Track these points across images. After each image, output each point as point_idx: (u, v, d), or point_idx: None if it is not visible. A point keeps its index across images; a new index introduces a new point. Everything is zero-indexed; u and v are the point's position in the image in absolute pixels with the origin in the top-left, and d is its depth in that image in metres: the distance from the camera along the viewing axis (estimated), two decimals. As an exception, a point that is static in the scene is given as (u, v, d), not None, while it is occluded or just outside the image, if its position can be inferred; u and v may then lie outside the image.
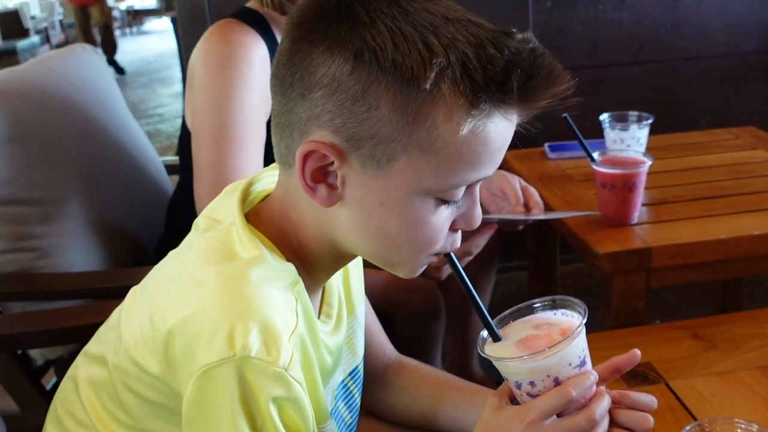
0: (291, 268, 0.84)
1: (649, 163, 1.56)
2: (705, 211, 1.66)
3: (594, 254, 1.50)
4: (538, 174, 1.93)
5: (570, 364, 0.85)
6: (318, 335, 0.89)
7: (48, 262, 1.60)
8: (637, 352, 0.95)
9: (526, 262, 2.26)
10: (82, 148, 1.74)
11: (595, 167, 1.57)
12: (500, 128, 0.78)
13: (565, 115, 1.62)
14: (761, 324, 1.38)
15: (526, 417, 0.84)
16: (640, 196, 1.58)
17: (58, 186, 1.66)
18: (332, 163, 0.79)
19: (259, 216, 0.89)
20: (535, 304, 0.93)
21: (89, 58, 2.01)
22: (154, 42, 14.78)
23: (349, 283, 1.07)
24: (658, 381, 1.21)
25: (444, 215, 0.82)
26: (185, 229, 1.42)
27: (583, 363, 0.86)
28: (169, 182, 2.05)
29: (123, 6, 17.35)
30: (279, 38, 1.64)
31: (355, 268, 1.11)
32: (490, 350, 0.88)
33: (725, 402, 1.15)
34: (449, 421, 1.15)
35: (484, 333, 0.91)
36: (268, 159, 1.61)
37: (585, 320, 0.86)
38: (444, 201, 0.81)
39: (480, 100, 0.74)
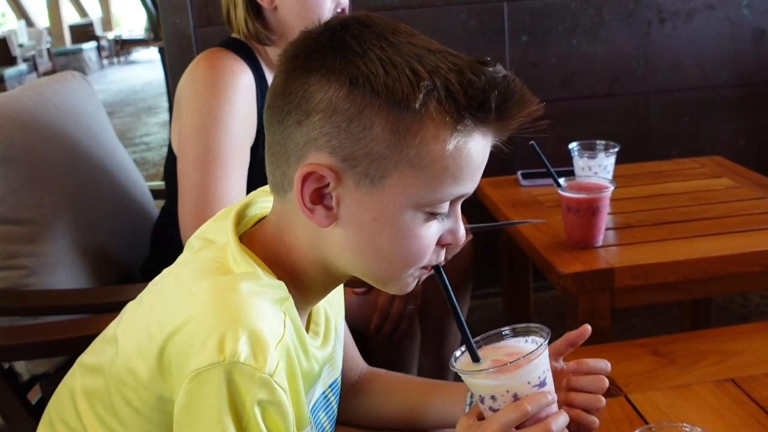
0: (281, 285, 0.89)
1: (611, 188, 1.63)
2: (667, 234, 1.73)
3: (559, 274, 1.56)
4: (511, 200, 2.00)
5: (529, 383, 0.92)
6: (308, 347, 0.95)
7: (36, 280, 1.65)
8: (588, 327, 1.06)
9: (501, 288, 2.31)
10: (70, 172, 1.80)
11: (561, 192, 1.64)
12: (480, 146, 0.86)
13: (531, 142, 1.69)
14: (719, 341, 1.45)
15: (488, 428, 0.90)
16: (603, 219, 1.65)
17: (46, 207, 1.71)
18: (328, 184, 0.86)
19: (253, 238, 0.95)
20: (504, 331, 1.01)
21: (78, 85, 2.07)
22: (141, 71, 14.82)
23: (332, 302, 1.13)
24: (618, 394, 1.27)
25: (433, 229, 0.88)
26: (169, 251, 1.48)
27: (542, 383, 0.93)
28: (155, 206, 2.11)
29: (111, 36, 17.44)
30: (264, 66, 1.71)
31: (336, 288, 1.17)
32: (460, 365, 0.95)
33: (681, 413, 1.21)
34: (427, 417, 1.21)
35: (458, 351, 0.98)
36: (251, 184, 1.67)
37: (546, 343, 0.94)
38: (432, 215, 0.88)
39: (463, 118, 0.82)
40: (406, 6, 2.74)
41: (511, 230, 1.91)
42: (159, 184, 2.29)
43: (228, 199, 1.61)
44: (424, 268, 0.91)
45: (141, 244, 1.90)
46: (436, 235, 0.89)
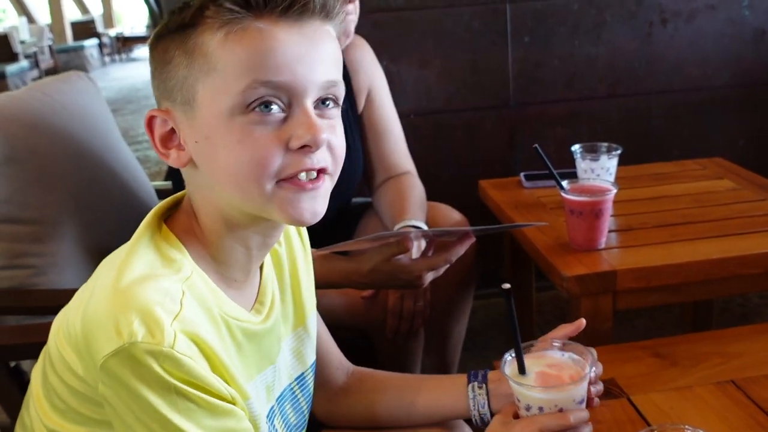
0: (186, 265, 0.94)
1: (614, 191, 1.64)
2: (669, 237, 1.74)
3: (562, 276, 1.57)
4: (514, 202, 2.01)
5: (574, 400, 1.03)
6: (230, 320, 0.97)
7: (42, 279, 1.67)
8: (583, 320, 1.20)
9: (503, 288, 2.32)
10: (76, 171, 1.81)
11: (563, 195, 1.65)
12: (267, 34, 0.88)
13: (535, 145, 1.70)
14: (721, 343, 1.46)
15: (531, 425, 1.01)
16: (606, 222, 1.66)
17: (52, 207, 1.73)
18: (169, 126, 0.94)
19: (174, 218, 1.00)
20: (554, 342, 1.13)
21: (83, 84, 2.08)
22: (143, 69, 14.81)
23: (301, 296, 1.17)
24: (620, 396, 1.29)
25: (263, 131, 0.89)
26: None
27: (583, 400, 1.05)
28: (159, 205, 2.12)
29: (112, 33, 17.45)
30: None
31: (307, 283, 1.20)
32: (512, 374, 1.05)
33: (682, 415, 1.23)
34: (422, 411, 1.24)
35: (507, 356, 1.07)
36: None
37: (593, 368, 1.06)
38: (257, 115, 0.89)
39: (230, 11, 0.87)
40: (409, 7, 2.75)
41: (514, 231, 1.92)
42: (163, 183, 2.30)
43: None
44: (292, 180, 0.91)
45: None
46: (270, 138, 0.89)
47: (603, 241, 1.67)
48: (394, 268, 1.54)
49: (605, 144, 1.95)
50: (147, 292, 0.86)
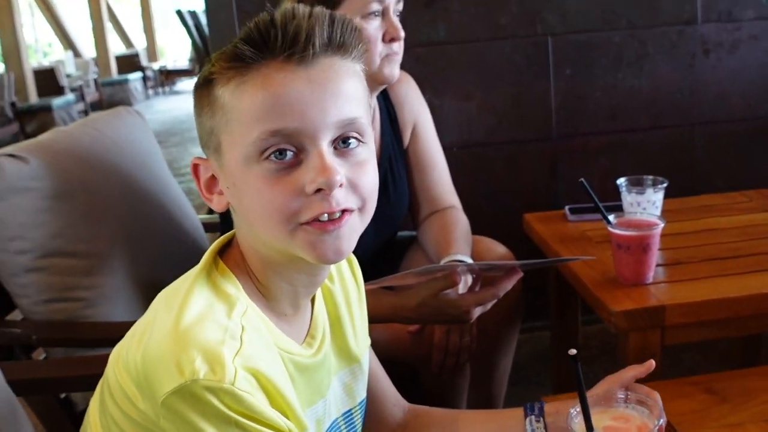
0: (240, 300, 0.95)
1: (662, 225, 1.63)
2: (717, 271, 1.72)
3: (610, 312, 1.56)
4: (559, 235, 2.01)
5: None
6: (283, 353, 0.99)
7: (92, 311, 1.70)
8: (652, 362, 1.16)
9: (549, 322, 2.31)
10: (126, 205, 1.84)
11: (610, 229, 1.64)
12: (272, 80, 0.89)
13: (581, 179, 1.70)
14: (772, 379, 1.45)
15: None
16: (654, 256, 1.64)
17: (103, 240, 1.76)
18: (211, 173, 0.98)
19: (228, 253, 1.02)
20: (618, 394, 1.10)
21: (132, 119, 2.12)
22: (186, 102, 15.00)
23: (354, 332, 1.18)
24: (671, 433, 1.28)
25: (276, 177, 0.90)
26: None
27: None
28: (206, 239, 2.15)
29: (156, 66, 17.72)
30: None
31: (360, 320, 1.20)
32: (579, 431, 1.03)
33: (735, 453, 1.21)
34: None
35: (573, 411, 1.04)
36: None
37: (662, 420, 1.03)
38: (272, 163, 0.90)
39: (235, 61, 0.90)
40: (452, 41, 2.77)
41: (560, 265, 1.91)
42: (209, 216, 2.33)
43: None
44: (315, 224, 0.91)
45: (192, 276, 1.93)
46: (285, 184, 0.90)
47: (651, 276, 1.66)
48: (441, 302, 1.55)
49: (651, 177, 1.94)
50: (208, 331, 0.88)
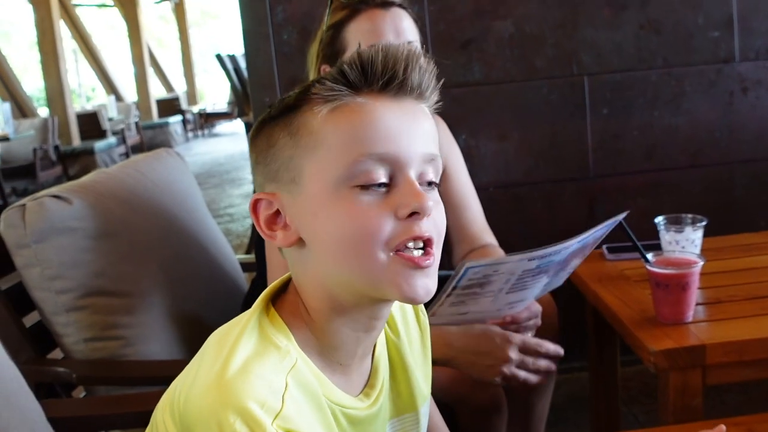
0: (291, 353, 0.92)
1: (701, 263, 1.61)
2: (759, 309, 1.69)
3: (649, 351, 1.55)
4: (597, 275, 1.99)
5: None
6: (334, 407, 0.96)
7: (132, 350, 1.72)
8: (723, 427, 1.13)
9: (587, 362, 2.29)
10: (166, 246, 1.87)
11: (649, 267, 1.63)
12: (372, 109, 0.92)
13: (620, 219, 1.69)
14: (817, 422, 1.41)
15: None
16: (693, 295, 1.63)
17: (143, 280, 1.79)
18: (275, 208, 0.96)
19: (282, 300, 1.00)
20: None
21: (173, 161, 2.16)
22: (224, 144, 15.23)
23: (414, 381, 1.13)
24: (714, 475, 1.25)
25: (370, 201, 0.90)
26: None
27: None
28: (244, 279, 2.17)
29: (195, 109, 18.02)
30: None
31: (423, 368, 1.17)
32: None
33: (779, 497, 1.19)
34: None
35: None
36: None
37: None
38: (363, 188, 0.90)
39: (332, 88, 0.91)
40: (488, 82, 2.79)
41: (597, 304, 1.89)
42: (246, 257, 2.36)
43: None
44: (406, 255, 0.91)
45: (232, 315, 1.92)
46: (379, 208, 0.90)
47: (690, 315, 1.64)
48: (486, 334, 1.56)
49: (690, 215, 1.92)
50: (249, 388, 0.86)
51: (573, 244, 1.55)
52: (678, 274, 1.60)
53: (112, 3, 17.58)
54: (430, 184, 0.95)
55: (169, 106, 16.27)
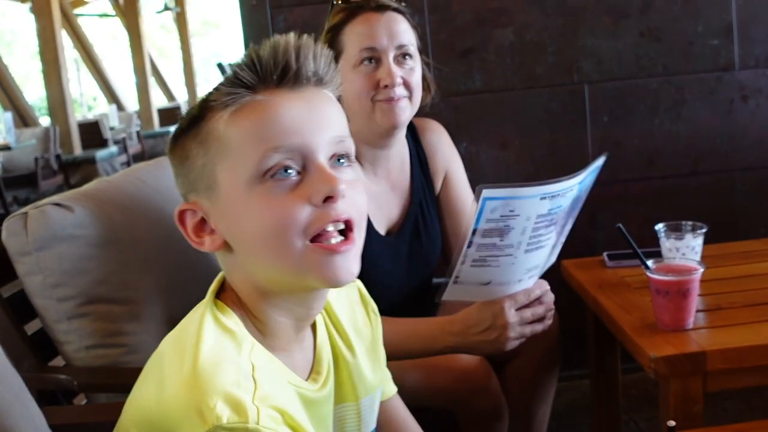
0: (244, 337, 0.96)
1: (701, 270, 1.62)
2: (759, 316, 1.70)
3: (650, 358, 1.55)
4: (597, 281, 2.00)
5: None
6: (295, 387, 0.99)
7: (134, 357, 1.72)
8: None
9: (588, 370, 2.29)
10: (168, 253, 1.87)
11: (649, 274, 1.64)
12: (265, 105, 0.94)
13: (618, 225, 1.69)
14: (817, 428, 1.42)
15: None
16: (694, 301, 1.63)
17: (145, 287, 1.79)
18: (199, 216, 0.99)
19: (223, 296, 1.04)
20: None
21: (175, 169, 2.17)
22: (225, 153, 15.21)
23: (351, 372, 1.16)
24: (713, 481, 1.25)
25: (281, 193, 0.93)
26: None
27: None
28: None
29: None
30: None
31: (366, 358, 1.19)
32: None
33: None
34: None
35: None
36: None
37: None
38: (274, 180, 0.93)
39: (227, 91, 0.94)
40: (488, 90, 2.80)
41: (598, 311, 1.90)
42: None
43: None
44: (323, 243, 0.94)
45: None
46: (292, 197, 0.93)
47: (691, 321, 1.64)
48: (489, 310, 1.57)
49: (690, 222, 1.93)
50: (221, 373, 0.89)
51: (574, 183, 1.63)
52: (678, 281, 1.61)
53: (113, 13, 17.63)
54: (341, 160, 0.98)
55: (171, 115, 16.25)
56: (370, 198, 1.78)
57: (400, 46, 1.73)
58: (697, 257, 1.89)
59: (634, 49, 2.84)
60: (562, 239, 1.68)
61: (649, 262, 1.65)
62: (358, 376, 1.16)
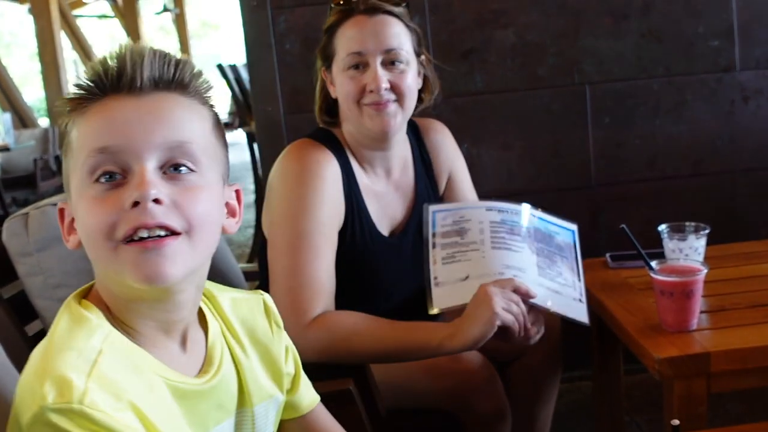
0: (99, 325, 0.96)
1: (705, 271, 1.61)
2: (762, 317, 1.70)
3: (654, 359, 1.54)
4: (600, 282, 1.99)
5: None
6: (162, 379, 0.97)
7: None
8: None
9: (590, 371, 2.28)
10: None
11: (653, 275, 1.63)
12: (100, 109, 0.96)
13: (622, 226, 1.69)
14: (822, 430, 1.41)
15: None
16: (697, 302, 1.63)
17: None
18: (71, 215, 1.01)
19: (89, 296, 1.03)
20: None
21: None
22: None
23: (246, 379, 1.14)
24: (717, 484, 1.25)
25: (101, 196, 0.94)
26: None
27: None
28: (247, 287, 2.16)
29: (196, 120, 18.01)
30: (348, 152, 1.79)
31: (262, 370, 1.18)
32: None
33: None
34: None
35: None
36: (339, 265, 1.71)
37: None
38: (97, 183, 0.95)
39: (67, 101, 0.99)
40: (489, 91, 2.80)
41: (601, 312, 1.89)
42: (249, 266, 2.35)
43: (318, 281, 1.66)
44: (135, 242, 0.93)
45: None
46: (107, 200, 0.94)
47: (695, 322, 1.64)
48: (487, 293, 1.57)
49: (693, 224, 1.92)
50: (60, 358, 0.90)
51: (530, 212, 1.77)
52: (682, 281, 1.60)
53: (112, 14, 17.62)
54: (179, 168, 0.97)
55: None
56: (372, 199, 1.79)
57: (388, 51, 1.72)
58: (700, 258, 1.88)
59: (635, 49, 2.84)
60: (560, 273, 1.74)
61: (653, 263, 1.65)
62: (253, 382, 1.15)
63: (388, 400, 1.67)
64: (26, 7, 13.16)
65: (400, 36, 1.74)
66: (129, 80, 0.96)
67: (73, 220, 1.01)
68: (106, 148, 0.94)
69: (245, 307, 1.19)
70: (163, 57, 0.99)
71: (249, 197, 9.01)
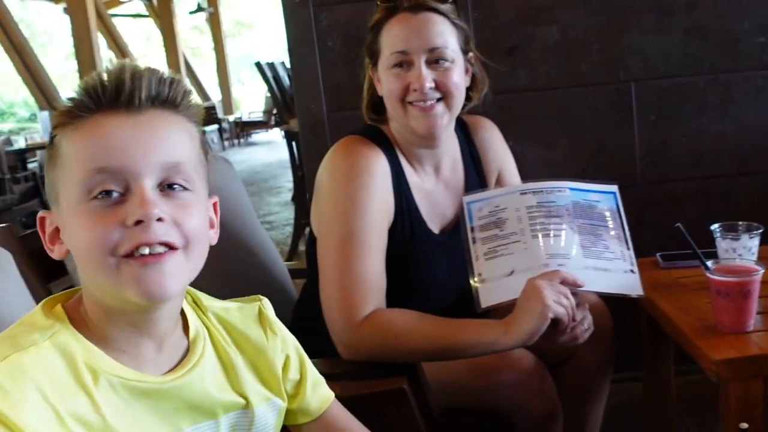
0: (54, 326, 0.98)
1: (762, 271, 1.59)
2: (820, 319, 1.66)
3: (711, 360, 1.52)
4: (652, 283, 1.95)
5: None
6: (112, 378, 0.99)
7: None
8: None
9: (639, 372, 2.25)
10: (218, 250, 1.85)
11: (710, 275, 1.61)
12: (96, 125, 0.97)
13: (678, 224, 1.67)
14: None
15: None
16: (754, 303, 1.60)
17: (197, 282, 1.78)
18: (55, 225, 1.02)
19: (69, 303, 1.05)
20: None
21: (222, 166, 2.17)
22: (261, 152, 15.30)
23: (240, 382, 1.15)
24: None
25: (101, 213, 0.95)
26: (312, 328, 1.53)
27: None
28: (292, 284, 2.17)
29: (231, 118, 18.13)
30: (396, 149, 1.78)
31: (253, 374, 1.18)
32: None
33: None
34: None
35: None
36: (389, 263, 1.71)
37: None
38: (96, 199, 0.95)
39: (67, 115, 0.98)
40: (533, 88, 2.78)
41: (654, 312, 1.86)
42: (293, 264, 2.35)
43: (369, 279, 1.65)
44: (137, 257, 0.94)
45: (282, 319, 1.95)
46: (108, 218, 0.95)
47: (752, 323, 1.61)
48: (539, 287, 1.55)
49: (744, 223, 1.89)
50: (10, 363, 0.92)
51: (565, 186, 1.73)
52: (740, 281, 1.58)
53: (147, 13, 17.81)
54: (174, 186, 0.99)
55: (206, 115, 16.11)
56: (422, 197, 1.78)
57: (433, 49, 1.71)
58: (754, 258, 1.85)
59: (680, 46, 2.79)
60: (598, 240, 1.71)
61: (709, 263, 1.62)
62: (245, 386, 1.16)
63: (439, 400, 1.66)
64: (61, 6, 13.32)
65: (444, 34, 1.73)
66: (127, 97, 0.98)
67: (57, 230, 1.03)
68: (105, 168, 0.96)
69: (237, 315, 1.21)
70: (160, 75, 1.01)
71: (286, 195, 9.06)
